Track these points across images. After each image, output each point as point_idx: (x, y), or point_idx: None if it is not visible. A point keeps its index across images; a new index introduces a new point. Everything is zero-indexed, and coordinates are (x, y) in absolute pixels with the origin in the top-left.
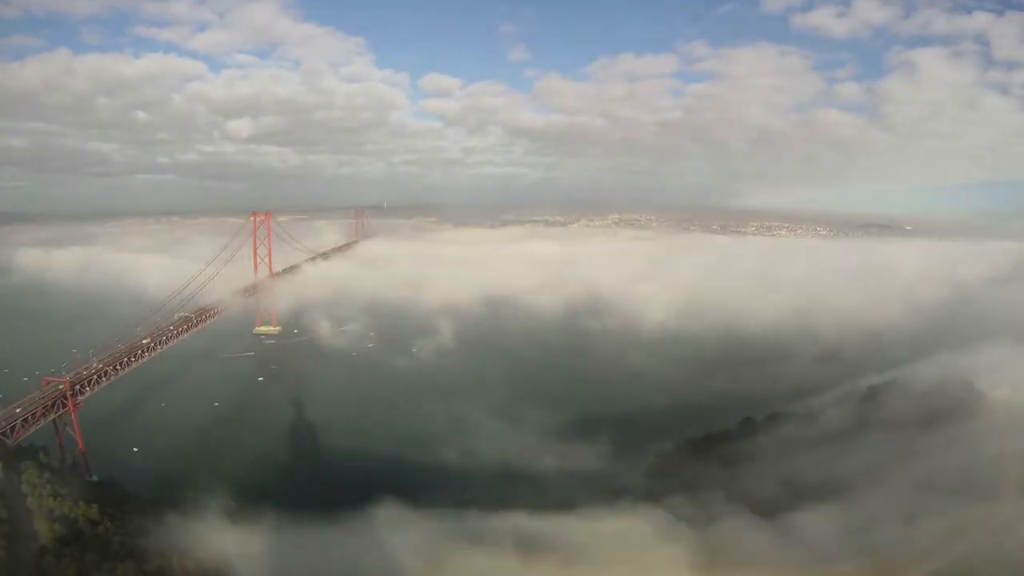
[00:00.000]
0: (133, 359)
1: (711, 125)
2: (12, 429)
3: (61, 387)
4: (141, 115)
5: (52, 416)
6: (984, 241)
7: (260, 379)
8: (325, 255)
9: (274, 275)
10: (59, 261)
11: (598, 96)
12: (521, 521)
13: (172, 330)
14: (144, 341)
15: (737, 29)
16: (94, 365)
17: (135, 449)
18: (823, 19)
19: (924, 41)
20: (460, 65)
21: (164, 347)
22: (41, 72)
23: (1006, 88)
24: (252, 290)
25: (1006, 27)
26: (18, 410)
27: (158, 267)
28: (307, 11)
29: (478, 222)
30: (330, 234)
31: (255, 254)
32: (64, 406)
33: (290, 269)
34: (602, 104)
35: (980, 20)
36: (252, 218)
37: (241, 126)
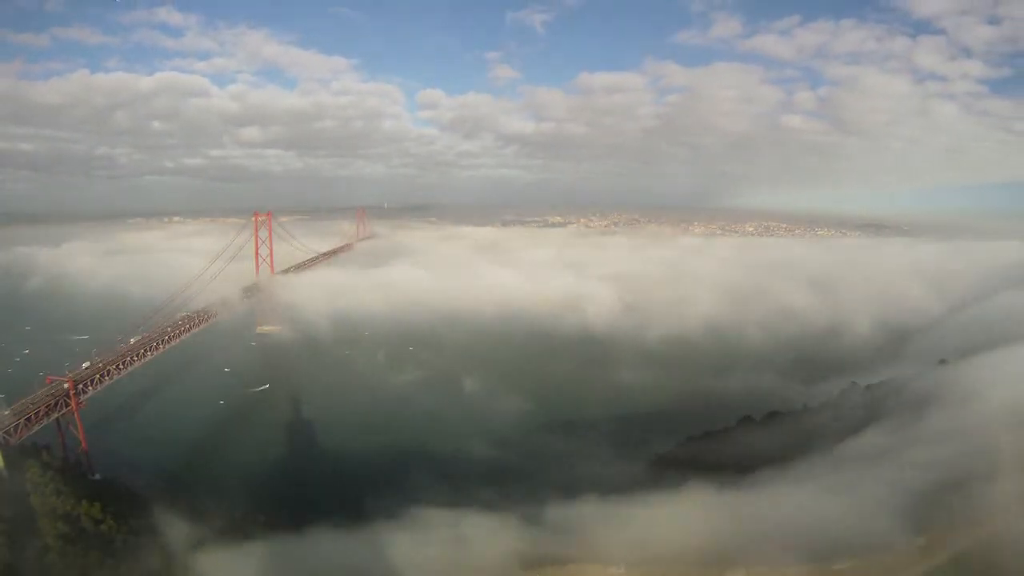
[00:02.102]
0: (135, 358)
1: (690, 131)
2: (15, 428)
3: (64, 386)
4: (156, 124)
5: (55, 415)
6: (984, 242)
7: (262, 379)
8: (325, 256)
9: (276, 275)
10: (64, 262)
11: (583, 107)
12: (521, 520)
13: (174, 330)
14: (146, 340)
15: (694, 51)
16: (96, 364)
17: (137, 448)
18: (766, 43)
19: (856, 60)
20: (450, 80)
21: (166, 347)
22: (64, 89)
23: (951, 96)
24: (254, 290)
25: (922, 47)
26: (21, 409)
27: (161, 267)
28: (293, 37)
29: (477, 222)
30: (331, 234)
31: (256, 254)
32: (67, 405)
33: (291, 269)
34: (586, 114)
35: (901, 43)
36: (254, 218)
37: (250, 134)
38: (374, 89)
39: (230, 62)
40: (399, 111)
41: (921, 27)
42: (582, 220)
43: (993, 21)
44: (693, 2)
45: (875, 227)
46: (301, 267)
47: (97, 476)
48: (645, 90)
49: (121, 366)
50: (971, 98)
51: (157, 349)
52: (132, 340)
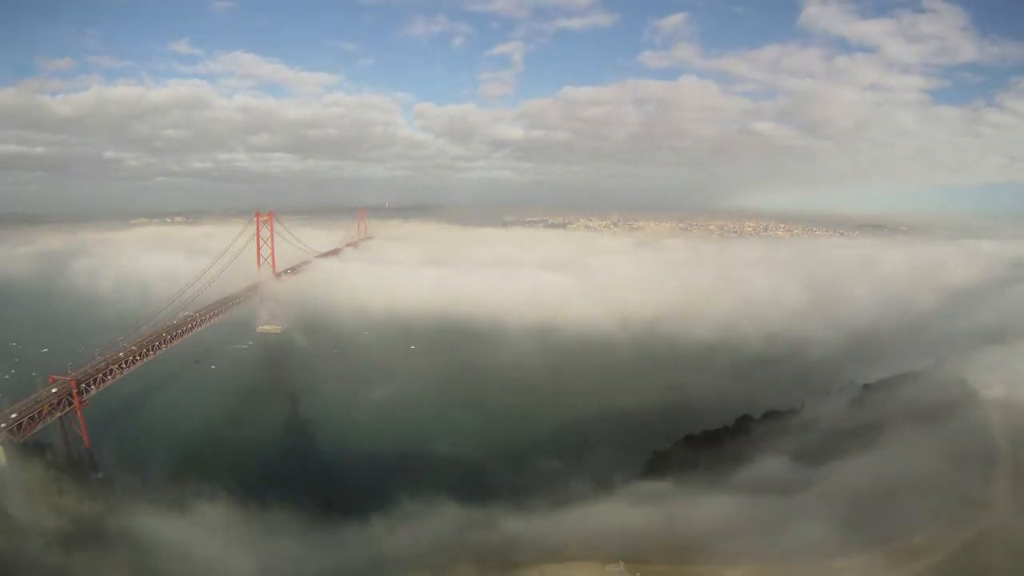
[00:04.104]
0: (138, 358)
1: (670, 137)
2: (19, 426)
3: (67, 385)
4: (169, 132)
5: (58, 414)
6: (981, 242)
7: (263, 378)
8: (326, 255)
9: (277, 275)
10: (66, 261)
11: (569, 116)
12: (520, 518)
13: (176, 329)
14: (148, 340)
15: (662, 71)
16: (99, 364)
17: (139, 447)
18: (725, 63)
19: (810, 74)
20: (444, 95)
21: (169, 346)
22: (82, 102)
23: (904, 104)
24: (255, 290)
25: (859, 64)
26: (25, 408)
27: (163, 267)
28: (291, 60)
29: (480, 222)
30: (333, 232)
31: (258, 254)
32: (70, 404)
33: (292, 269)
34: (573, 123)
35: (841, 61)
36: (255, 219)
37: (257, 140)
38: (369, 101)
39: (233, 80)
40: (395, 119)
41: (853, 48)
42: (582, 221)
43: (916, 40)
44: (656, 37)
45: (873, 227)
46: (302, 267)
47: (100, 474)
48: (625, 102)
49: (123, 365)
50: (921, 107)
51: (159, 349)
52: (134, 340)
